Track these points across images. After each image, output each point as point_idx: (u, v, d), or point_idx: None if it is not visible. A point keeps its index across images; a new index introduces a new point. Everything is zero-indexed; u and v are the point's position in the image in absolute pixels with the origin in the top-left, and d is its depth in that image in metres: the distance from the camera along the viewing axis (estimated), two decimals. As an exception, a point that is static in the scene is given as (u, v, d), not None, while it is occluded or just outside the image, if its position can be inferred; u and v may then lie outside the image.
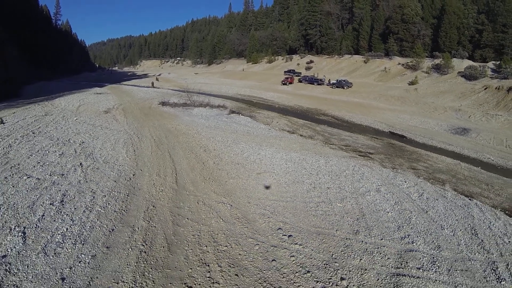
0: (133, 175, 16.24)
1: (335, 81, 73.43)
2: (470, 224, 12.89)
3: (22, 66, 59.36)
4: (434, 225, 12.66)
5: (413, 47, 78.57)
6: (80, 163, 17.25)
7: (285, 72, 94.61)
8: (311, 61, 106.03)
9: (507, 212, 15.04)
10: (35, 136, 22.16)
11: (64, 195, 13.36)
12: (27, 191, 13.48)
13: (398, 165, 21.98)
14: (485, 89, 52.62)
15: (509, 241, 11.76)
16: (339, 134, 32.07)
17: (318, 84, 75.85)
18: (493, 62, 63.89)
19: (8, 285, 7.97)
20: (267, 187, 15.34)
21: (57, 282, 8.32)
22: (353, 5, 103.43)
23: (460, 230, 12.36)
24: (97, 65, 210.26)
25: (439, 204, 14.77)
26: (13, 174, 15.17)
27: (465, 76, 60.57)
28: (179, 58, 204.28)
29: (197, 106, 39.78)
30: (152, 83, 78.66)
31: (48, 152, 18.90)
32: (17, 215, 11.52)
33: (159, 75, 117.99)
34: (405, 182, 17.44)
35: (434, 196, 15.76)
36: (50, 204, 12.54)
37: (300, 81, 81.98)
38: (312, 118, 41.61)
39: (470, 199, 15.94)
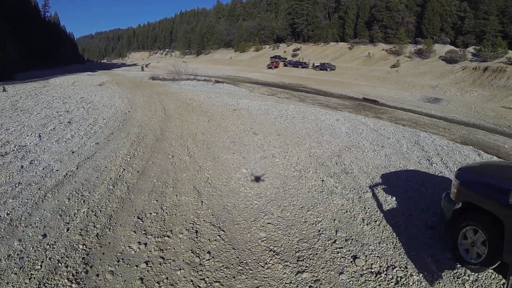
0: (128, 111, 18.82)
1: (319, 64, 76.37)
2: (415, 139, 14.90)
3: (14, 57, 61.09)
4: (382, 137, 14.88)
5: (397, 34, 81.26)
6: (82, 106, 19.79)
7: (271, 57, 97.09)
8: (298, 49, 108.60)
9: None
10: (37, 96, 24.54)
11: (71, 120, 15.92)
12: (38, 119, 15.92)
13: (364, 115, 24.54)
14: (463, 69, 55.68)
15: (447, 148, 13.67)
16: (314, 97, 34.93)
17: (302, 67, 79.05)
18: (474, 47, 67.04)
19: (29, 158, 10.31)
20: (240, 116, 17.93)
21: (68, 154, 10.75)
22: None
23: (405, 141, 14.35)
24: (86, 58, 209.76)
25: (390, 128, 17.27)
26: (24, 113, 17.60)
27: (446, 60, 63.62)
28: (167, 50, 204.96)
29: (185, 80, 42.35)
30: (142, 68, 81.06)
31: (52, 102, 21.35)
32: (32, 128, 13.99)
33: (148, 64, 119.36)
34: (364, 118, 20.13)
35: (387, 125, 18.34)
36: (59, 123, 15.07)
37: (285, 65, 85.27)
38: (292, 89, 44.39)
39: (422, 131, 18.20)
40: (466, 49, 66.37)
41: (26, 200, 7.33)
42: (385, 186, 8.93)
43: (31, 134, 13.00)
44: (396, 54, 77.03)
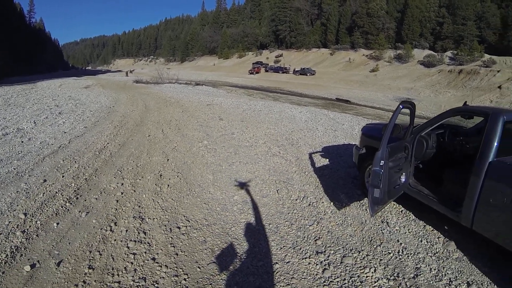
0: (112, 106, 20.90)
1: (299, 69, 78.64)
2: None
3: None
4: (337, 124, 16.73)
5: (377, 39, 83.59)
6: (71, 102, 21.80)
7: (253, 63, 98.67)
8: (280, 55, 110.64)
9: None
10: (27, 95, 26.40)
11: (61, 111, 17.97)
12: (31, 111, 17.92)
13: (330, 110, 26.40)
14: (439, 72, 57.84)
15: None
16: (288, 97, 37.13)
17: (283, 72, 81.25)
18: (452, 51, 68.99)
19: (27, 136, 12.20)
20: (212, 109, 19.93)
21: (61, 134, 12.80)
22: (322, 1, 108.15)
23: (358, 127, 15.54)
24: (71, 65, 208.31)
25: (348, 118, 19.24)
26: (17, 107, 19.54)
27: (424, 64, 65.84)
28: (152, 57, 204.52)
29: (167, 83, 44.32)
30: (127, 73, 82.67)
31: (42, 99, 23.30)
32: (27, 117, 15.97)
33: (133, 70, 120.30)
34: (328, 111, 22.17)
35: (347, 117, 20.32)
36: (51, 114, 17.11)
37: (266, 70, 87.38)
38: (269, 91, 46.57)
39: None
40: (444, 54, 68.33)
41: (28, 161, 9.33)
42: (323, 153, 10.90)
43: (27, 121, 14.97)
44: (376, 59, 79.04)
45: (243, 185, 8.04)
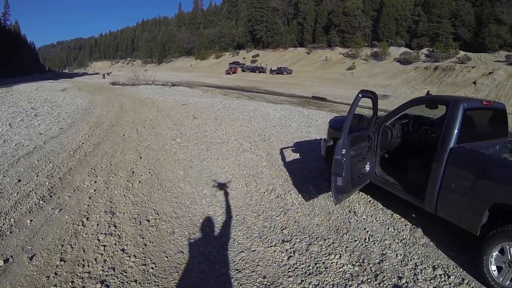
0: (88, 108, 20.97)
1: (276, 69, 79.09)
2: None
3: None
4: (311, 120, 17.08)
5: (354, 38, 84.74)
6: (47, 105, 21.71)
7: (229, 64, 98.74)
8: (257, 55, 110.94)
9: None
10: (2, 98, 26.08)
11: (37, 114, 17.96)
12: (6, 114, 17.83)
13: (305, 108, 26.83)
14: (415, 69, 58.96)
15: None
16: (264, 96, 37.55)
17: (260, 72, 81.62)
18: (427, 48, 70.55)
19: (1, 139, 12.22)
20: (187, 108, 20.20)
21: (36, 135, 12.90)
22: (298, 1, 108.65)
23: None
24: (47, 68, 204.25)
25: (322, 114, 19.68)
26: (-10, 111, 19.56)
27: (400, 61, 67.05)
28: (129, 59, 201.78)
29: (144, 84, 44.18)
30: (104, 75, 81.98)
31: (18, 102, 23.14)
32: (2, 120, 15.95)
33: (110, 72, 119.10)
34: (302, 109, 22.59)
35: (322, 113, 20.71)
36: (27, 116, 17.11)
37: (243, 70, 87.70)
38: (245, 90, 46.96)
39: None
40: (420, 51, 69.68)
41: (2, 162, 9.47)
42: (295, 148, 11.25)
43: (2, 124, 15.00)
44: (352, 57, 79.86)
45: (212, 180, 8.36)
